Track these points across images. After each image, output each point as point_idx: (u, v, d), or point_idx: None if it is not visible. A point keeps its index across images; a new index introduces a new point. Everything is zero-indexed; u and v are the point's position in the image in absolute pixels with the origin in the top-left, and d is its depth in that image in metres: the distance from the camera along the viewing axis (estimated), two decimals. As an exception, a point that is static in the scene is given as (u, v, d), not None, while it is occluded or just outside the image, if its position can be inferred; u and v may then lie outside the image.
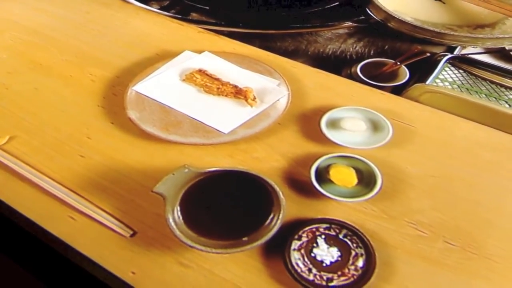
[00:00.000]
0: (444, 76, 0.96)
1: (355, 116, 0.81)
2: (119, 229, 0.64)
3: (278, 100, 0.85)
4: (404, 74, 0.96)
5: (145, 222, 0.65)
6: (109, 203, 0.67)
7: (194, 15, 1.17)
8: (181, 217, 0.65)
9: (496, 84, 0.94)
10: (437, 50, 1.04)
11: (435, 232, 0.63)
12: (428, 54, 1.02)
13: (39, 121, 0.82)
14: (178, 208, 0.66)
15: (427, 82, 0.94)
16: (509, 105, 0.89)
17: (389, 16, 1.14)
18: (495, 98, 0.90)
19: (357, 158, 0.73)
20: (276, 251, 0.61)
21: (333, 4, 1.21)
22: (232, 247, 0.61)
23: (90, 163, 0.74)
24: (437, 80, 0.95)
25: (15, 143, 0.77)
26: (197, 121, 0.81)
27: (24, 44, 1.01)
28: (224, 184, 0.70)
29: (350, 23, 1.13)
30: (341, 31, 1.11)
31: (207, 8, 1.20)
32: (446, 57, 1.01)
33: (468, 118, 0.83)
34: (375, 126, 0.80)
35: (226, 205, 0.68)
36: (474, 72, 0.97)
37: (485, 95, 0.91)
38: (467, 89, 0.93)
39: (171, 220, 0.64)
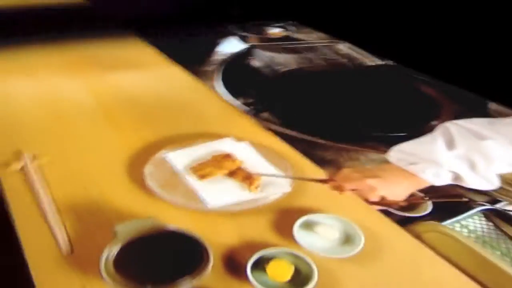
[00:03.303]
0: (468, 223, 0.88)
1: (334, 224, 0.80)
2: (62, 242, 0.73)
3: (275, 194, 0.88)
4: (425, 208, 0.91)
5: (89, 248, 0.72)
6: (73, 226, 0.77)
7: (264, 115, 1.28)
8: (114, 255, 0.71)
9: (522, 246, 0.83)
10: (479, 198, 0.96)
11: None
12: (466, 199, 0.95)
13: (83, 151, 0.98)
14: (119, 247, 0.72)
15: (445, 223, 0.88)
16: (522, 269, 0.78)
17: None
18: (510, 259, 0.80)
19: (303, 259, 0.71)
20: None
21: (401, 134, 1.22)
22: (131, 289, 0.65)
23: (87, 194, 0.85)
24: (457, 224, 0.88)
25: (50, 165, 0.94)
26: (193, 190, 0.89)
27: (120, 108, 1.22)
28: (171, 241, 0.75)
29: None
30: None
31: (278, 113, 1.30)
32: (483, 208, 0.93)
33: (466, 269, 0.75)
34: (348, 240, 0.77)
35: (158, 257, 0.72)
36: (503, 228, 0.87)
37: (501, 252, 0.81)
38: (484, 241, 0.84)
39: (105, 254, 0.71)
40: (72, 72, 1.40)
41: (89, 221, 0.79)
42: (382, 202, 0.89)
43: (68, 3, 2.15)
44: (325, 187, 0.91)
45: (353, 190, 0.89)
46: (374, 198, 0.88)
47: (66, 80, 1.35)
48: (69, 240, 0.74)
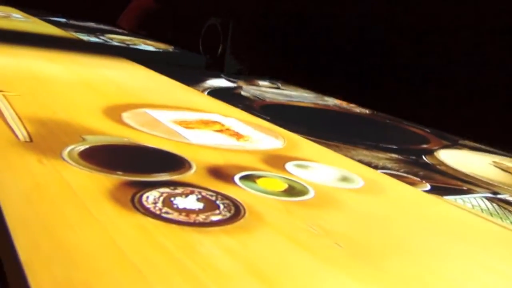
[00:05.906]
0: (470, 200, 0.81)
1: (331, 169, 0.72)
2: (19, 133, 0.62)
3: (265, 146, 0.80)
4: (423, 187, 0.84)
5: (51, 142, 0.62)
6: (35, 129, 0.67)
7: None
8: (81, 149, 0.61)
9: (532, 221, 0.75)
10: (480, 190, 0.90)
11: (328, 233, 0.47)
12: (465, 189, 0.88)
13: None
14: (87, 146, 0.63)
15: (446, 197, 0.80)
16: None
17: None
18: (521, 226, 0.72)
19: (298, 182, 0.62)
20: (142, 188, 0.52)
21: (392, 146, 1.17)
22: (97, 171, 0.55)
23: (55, 116, 0.76)
24: (459, 200, 0.80)
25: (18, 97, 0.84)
26: (175, 131, 0.80)
27: (103, 84, 1.16)
28: (149, 152, 0.66)
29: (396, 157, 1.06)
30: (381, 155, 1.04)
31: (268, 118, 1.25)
32: (484, 195, 0.86)
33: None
34: (345, 180, 0.69)
35: (133, 157, 0.62)
36: (509, 209, 0.80)
37: (510, 222, 0.73)
38: (491, 213, 0.76)
39: (70, 147, 0.61)
40: (56, 61, 1.34)
41: (54, 128, 0.69)
42: None
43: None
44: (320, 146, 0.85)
45: None
46: None
47: (47, 63, 1.29)
48: (28, 133, 0.63)
